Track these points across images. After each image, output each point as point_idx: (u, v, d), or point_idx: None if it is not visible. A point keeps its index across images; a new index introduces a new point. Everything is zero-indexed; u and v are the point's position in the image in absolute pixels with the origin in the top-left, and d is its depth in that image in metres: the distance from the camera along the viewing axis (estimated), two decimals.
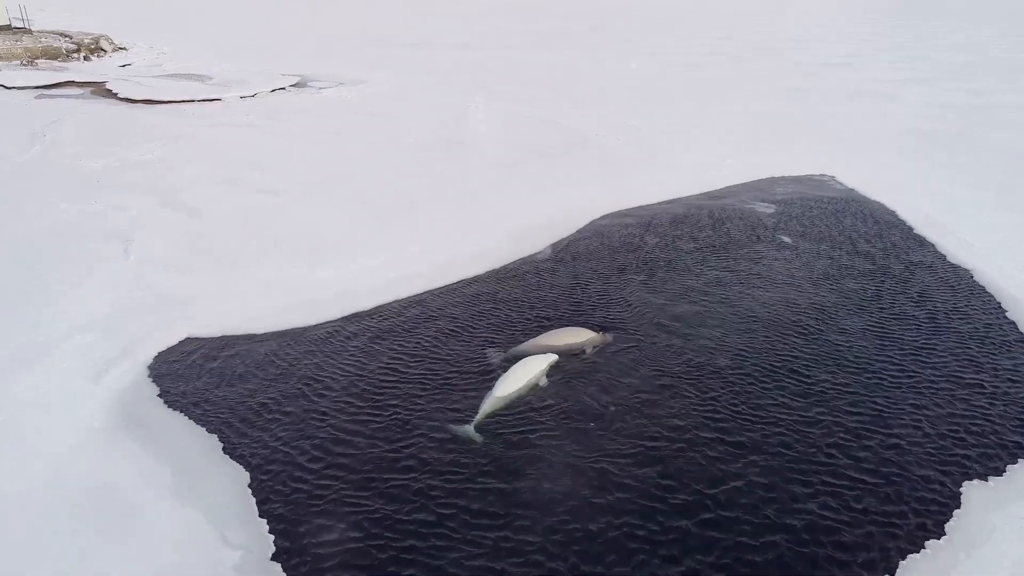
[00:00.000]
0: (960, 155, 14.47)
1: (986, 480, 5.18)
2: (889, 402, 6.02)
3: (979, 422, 5.77)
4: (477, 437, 5.55)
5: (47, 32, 30.08)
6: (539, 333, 7.09)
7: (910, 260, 9.13)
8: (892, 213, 11.06)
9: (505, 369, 6.35)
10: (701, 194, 12.12)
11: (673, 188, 12.30)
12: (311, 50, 34.72)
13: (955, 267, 8.93)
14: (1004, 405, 6.02)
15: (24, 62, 25.25)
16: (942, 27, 51.05)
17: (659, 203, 11.63)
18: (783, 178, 13.05)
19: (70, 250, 9.36)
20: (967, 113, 18.80)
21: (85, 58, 27.30)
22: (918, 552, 4.52)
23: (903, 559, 4.47)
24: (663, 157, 14.39)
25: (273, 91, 21.85)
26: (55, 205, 11.11)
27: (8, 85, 21.39)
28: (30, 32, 29.42)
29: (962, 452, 5.43)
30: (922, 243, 9.78)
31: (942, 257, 9.27)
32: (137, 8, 70.44)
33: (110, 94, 20.87)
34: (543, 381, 6.18)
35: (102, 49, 28.72)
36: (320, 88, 22.74)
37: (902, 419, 5.79)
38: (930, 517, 4.82)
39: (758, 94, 22.12)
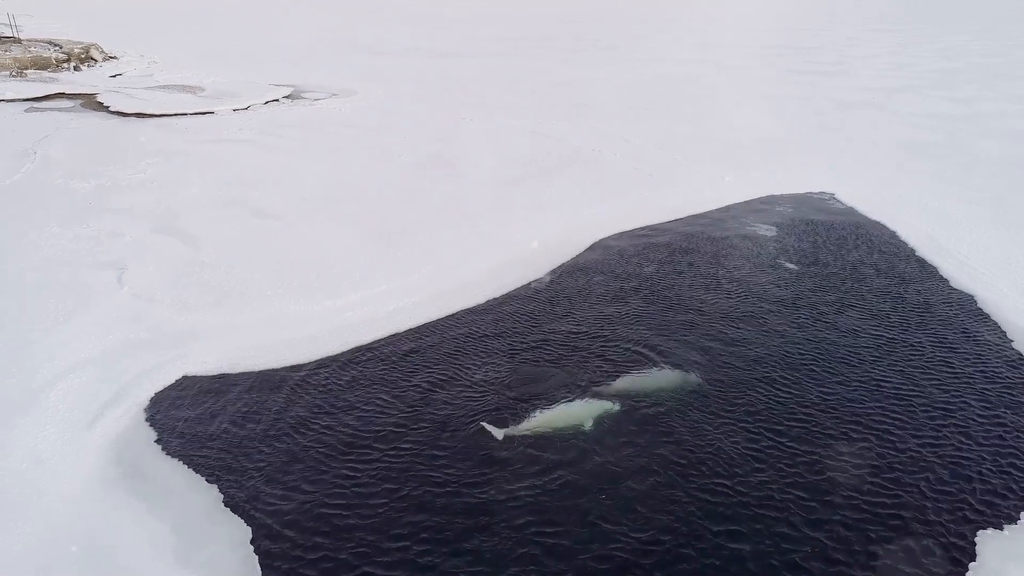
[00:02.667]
0: (952, 168, 14.54)
1: (1001, 529, 5.11)
2: (899, 449, 5.95)
3: (991, 467, 5.71)
4: (499, 437, 5.86)
5: (36, 40, 29.73)
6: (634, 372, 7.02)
7: (916, 290, 9.07)
8: (893, 234, 11.03)
9: (567, 399, 6.48)
10: (702, 214, 12.06)
11: (673, 208, 12.23)
12: (301, 58, 34.48)
13: (960, 294, 8.89)
14: (1016, 448, 5.95)
15: (13, 73, 24.94)
16: (929, 32, 51.42)
17: (660, 224, 11.56)
18: (783, 197, 13.02)
19: (62, 281, 9.15)
20: (955, 123, 18.90)
21: (75, 68, 27.00)
22: None
23: None
24: (661, 175, 14.31)
25: (266, 103, 21.65)
26: (46, 230, 10.90)
27: None
28: (19, 41, 29.06)
29: (975, 499, 5.37)
30: (924, 267, 9.75)
31: (945, 282, 9.25)
32: (126, 13, 69.93)
33: (101, 107, 20.62)
34: (588, 425, 6.10)
35: (92, 58, 28.42)
36: (314, 100, 22.57)
37: (912, 466, 5.72)
38: (945, 569, 4.75)
39: (751, 104, 22.13)
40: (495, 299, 8.82)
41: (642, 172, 14.51)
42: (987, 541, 4.99)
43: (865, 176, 14.12)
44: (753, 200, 12.77)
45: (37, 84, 23.45)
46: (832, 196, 12.99)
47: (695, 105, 22.04)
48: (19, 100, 21.16)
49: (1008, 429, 6.17)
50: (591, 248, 10.58)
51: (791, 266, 9.89)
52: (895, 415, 6.35)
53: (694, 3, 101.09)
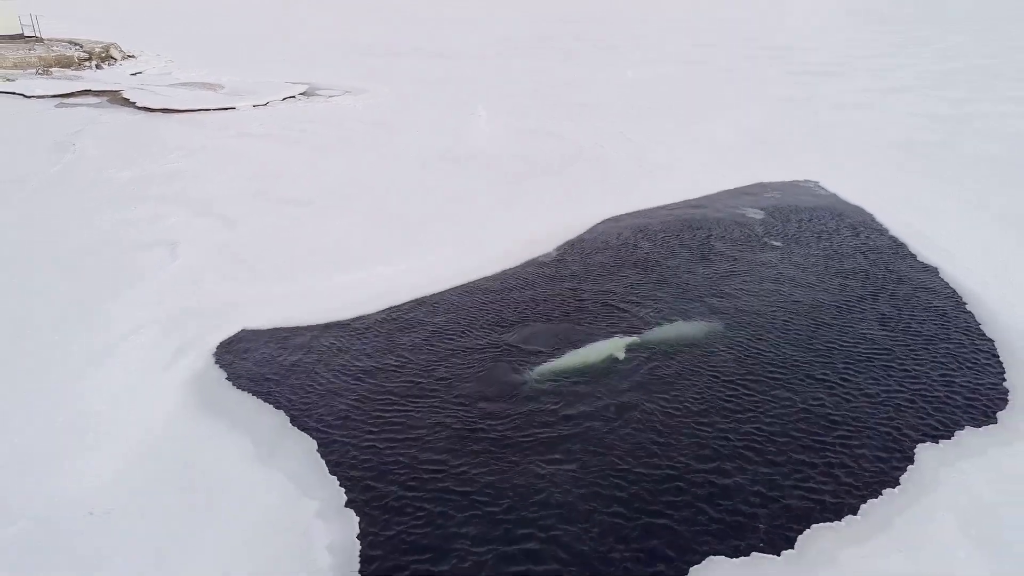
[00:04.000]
0: (939, 163, 15.52)
1: (937, 443, 6.17)
2: (859, 379, 7.04)
3: (933, 397, 6.79)
4: (535, 381, 6.89)
5: (57, 40, 30.81)
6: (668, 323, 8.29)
7: (883, 258, 10.18)
8: (871, 217, 12.09)
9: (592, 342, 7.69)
10: (695, 199, 13.11)
11: (668, 195, 13.26)
12: (306, 58, 35.59)
13: (925, 267, 9.95)
14: (955, 383, 7.04)
15: (39, 71, 26.02)
16: (926, 33, 52.49)
17: (656, 208, 12.61)
18: (771, 184, 14.08)
19: (118, 256, 10.20)
20: (948, 122, 19.88)
21: (97, 66, 28.09)
22: (876, 497, 5.51)
23: (864, 503, 5.45)
24: (662, 172, 15.22)
25: (284, 100, 22.72)
26: (94, 215, 11.94)
27: (28, 94, 22.17)
28: (41, 41, 30.16)
29: (918, 421, 6.44)
30: (896, 243, 10.83)
31: (912, 256, 10.31)
32: (127, 14, 71.05)
33: (127, 103, 21.68)
34: (621, 355, 7.36)
35: (112, 57, 29.53)
36: (328, 97, 23.65)
37: (869, 393, 6.81)
38: (888, 470, 5.81)
39: (748, 104, 23.17)
40: (508, 270, 9.86)
41: (643, 169, 15.47)
42: (924, 452, 6.04)
43: (851, 169, 15.14)
44: (743, 187, 13.83)
45: (63, 81, 24.53)
46: (817, 184, 14.06)
47: (695, 105, 23.08)
48: (48, 96, 22.23)
49: (949, 370, 7.24)
50: (592, 229, 11.59)
51: (776, 243, 10.95)
52: (856, 359, 7.43)
53: (695, 4, 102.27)
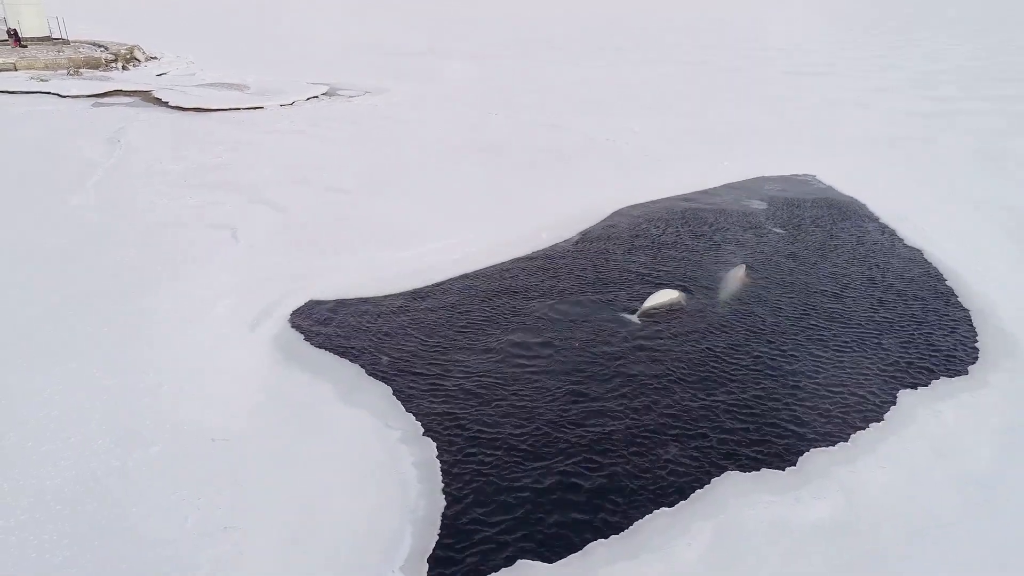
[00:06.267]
0: (922, 158, 16.72)
1: (915, 389, 7.30)
2: (853, 343, 8.17)
3: (915, 355, 7.93)
4: (636, 321, 8.52)
5: (83, 42, 31.86)
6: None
7: (874, 242, 11.33)
8: (863, 206, 13.25)
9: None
10: (703, 190, 14.26)
11: (678, 187, 14.40)
12: (320, 59, 36.67)
13: (911, 249, 11.11)
14: (934, 345, 8.18)
15: (71, 72, 27.08)
16: (919, 36, 53.65)
17: (667, 198, 13.75)
18: (771, 177, 15.22)
19: (186, 238, 11.27)
20: (931, 120, 21.11)
21: (123, 67, 29.16)
22: (864, 429, 6.64)
23: (854, 433, 6.58)
24: (668, 161, 16.49)
25: (308, 99, 23.83)
26: (157, 201, 13.04)
27: (63, 94, 23.24)
28: (68, 42, 31.22)
29: (902, 373, 7.57)
30: (885, 228, 11.99)
31: (900, 240, 11.47)
32: (126, 14, 72.06)
33: (159, 102, 22.75)
34: (681, 303, 9.10)
35: (136, 59, 30.60)
36: (350, 96, 24.76)
37: (861, 354, 7.94)
38: (874, 410, 6.93)
39: (747, 102, 24.32)
40: (538, 250, 10.99)
41: (650, 159, 16.69)
42: (904, 396, 7.17)
43: (844, 162, 16.32)
44: (745, 180, 14.97)
45: (94, 82, 25.58)
46: (814, 177, 15.21)
47: (696, 102, 24.25)
48: (84, 96, 23.29)
49: (930, 335, 8.38)
50: (608, 217, 12.71)
51: (778, 230, 12.07)
52: (851, 326, 8.55)
53: (695, 5, 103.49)
